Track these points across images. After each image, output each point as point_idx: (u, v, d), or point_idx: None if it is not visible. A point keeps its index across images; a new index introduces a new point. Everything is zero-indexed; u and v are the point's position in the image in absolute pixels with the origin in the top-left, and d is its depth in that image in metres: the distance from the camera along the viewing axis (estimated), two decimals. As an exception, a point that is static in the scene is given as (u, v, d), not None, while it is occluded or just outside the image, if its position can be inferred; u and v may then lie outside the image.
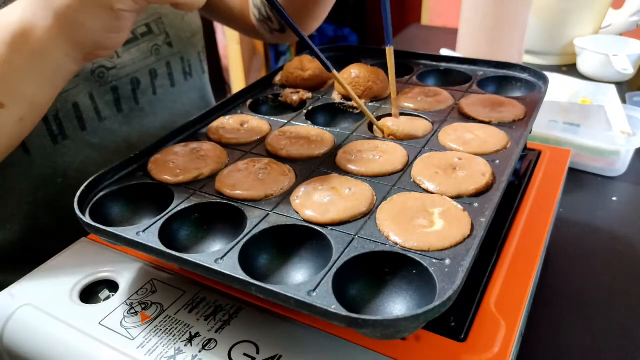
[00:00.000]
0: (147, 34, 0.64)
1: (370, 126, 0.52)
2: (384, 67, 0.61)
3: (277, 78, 0.64)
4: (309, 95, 0.59)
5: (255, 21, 0.78)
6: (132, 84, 0.63)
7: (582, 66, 1.05)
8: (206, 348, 0.35)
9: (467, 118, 0.52)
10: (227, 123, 0.53)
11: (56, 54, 0.41)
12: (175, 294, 0.40)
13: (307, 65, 0.61)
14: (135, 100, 0.64)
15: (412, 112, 0.53)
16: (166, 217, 0.39)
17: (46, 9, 0.39)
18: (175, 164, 0.45)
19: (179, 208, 0.40)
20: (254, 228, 0.38)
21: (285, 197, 0.41)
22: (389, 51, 0.52)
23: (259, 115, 0.56)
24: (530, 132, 0.50)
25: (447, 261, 0.34)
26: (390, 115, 0.53)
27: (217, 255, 0.35)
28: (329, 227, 0.37)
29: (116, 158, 0.62)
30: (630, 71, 0.97)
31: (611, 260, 0.59)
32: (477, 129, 0.49)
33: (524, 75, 0.60)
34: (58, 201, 0.59)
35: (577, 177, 0.74)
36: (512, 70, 0.61)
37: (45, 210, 0.59)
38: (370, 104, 0.56)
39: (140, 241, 0.36)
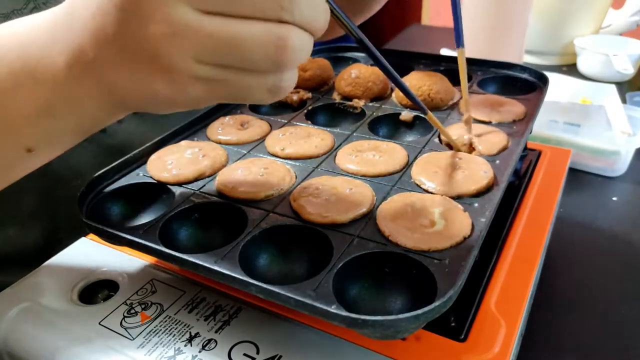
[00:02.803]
0: None
1: (371, 127, 0.52)
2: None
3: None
4: (309, 95, 0.59)
5: None
6: None
7: (582, 66, 1.05)
8: (206, 348, 0.35)
9: (467, 118, 0.52)
10: (227, 123, 0.53)
11: (90, 109, 0.33)
12: (175, 294, 0.40)
13: (307, 66, 0.61)
14: None
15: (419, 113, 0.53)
16: (166, 217, 0.39)
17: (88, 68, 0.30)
18: (175, 164, 0.45)
19: (179, 208, 0.40)
20: (254, 228, 0.38)
21: (285, 197, 0.41)
22: (461, 53, 0.47)
23: (259, 115, 0.56)
24: (531, 132, 0.50)
25: (447, 261, 0.34)
26: (390, 115, 0.53)
27: (217, 255, 0.35)
28: (329, 227, 0.37)
29: None
30: (630, 71, 0.97)
31: (611, 260, 0.59)
32: (477, 129, 0.49)
33: (524, 75, 0.60)
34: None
35: (577, 177, 0.74)
36: (512, 70, 0.61)
37: (64, 209, 0.59)
38: (370, 104, 0.56)
39: (140, 241, 0.36)
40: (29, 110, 0.33)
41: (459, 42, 0.46)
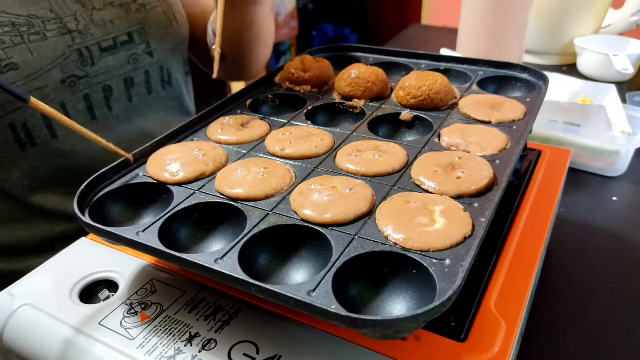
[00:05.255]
0: (127, 43, 0.63)
1: (371, 127, 0.52)
2: (384, 67, 0.61)
3: (277, 78, 0.64)
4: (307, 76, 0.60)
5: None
6: (105, 92, 0.62)
7: (582, 66, 1.05)
8: (206, 348, 0.35)
9: (467, 118, 0.52)
10: (227, 123, 0.53)
11: None
12: (175, 294, 0.40)
13: (308, 66, 0.61)
14: (108, 107, 0.63)
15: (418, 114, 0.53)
16: (166, 217, 0.39)
17: None
18: (175, 164, 0.45)
19: (179, 208, 0.40)
20: (254, 228, 0.38)
21: (285, 197, 0.41)
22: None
23: (259, 115, 0.56)
24: (530, 132, 0.50)
25: (447, 261, 0.34)
26: (393, 114, 0.53)
27: (217, 255, 0.35)
28: (329, 227, 0.37)
29: (88, 163, 0.61)
30: (630, 71, 0.97)
31: (611, 260, 0.59)
32: (477, 129, 0.49)
33: (524, 75, 0.60)
34: (25, 198, 0.59)
35: (577, 177, 0.74)
36: (512, 70, 0.61)
37: (13, 204, 0.60)
38: (370, 104, 0.56)
39: (140, 241, 0.36)
40: None
41: None
